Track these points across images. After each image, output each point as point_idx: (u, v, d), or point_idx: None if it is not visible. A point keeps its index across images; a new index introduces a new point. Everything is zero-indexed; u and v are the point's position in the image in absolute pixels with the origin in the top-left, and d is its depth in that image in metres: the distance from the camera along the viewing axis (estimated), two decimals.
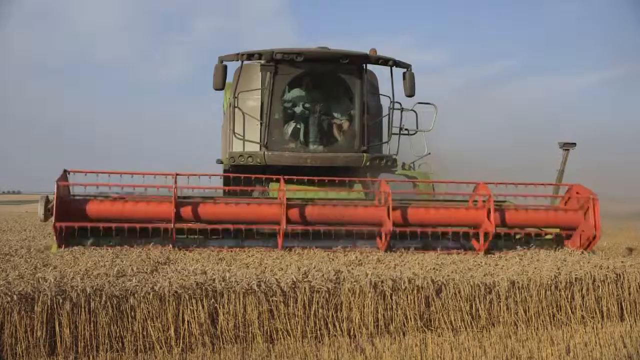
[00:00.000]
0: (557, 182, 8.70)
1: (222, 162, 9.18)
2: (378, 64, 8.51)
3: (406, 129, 9.15)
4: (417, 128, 9.15)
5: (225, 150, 9.53)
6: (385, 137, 8.94)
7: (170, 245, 6.54)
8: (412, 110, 9.02)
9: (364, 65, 8.57)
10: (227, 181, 8.35)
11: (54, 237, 6.56)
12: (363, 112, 8.50)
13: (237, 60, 8.30)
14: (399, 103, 8.86)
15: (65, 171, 6.67)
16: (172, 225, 6.54)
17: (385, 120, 8.89)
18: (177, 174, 6.75)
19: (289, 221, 6.76)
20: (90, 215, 6.63)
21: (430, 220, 7.11)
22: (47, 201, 6.64)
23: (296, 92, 8.78)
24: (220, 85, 8.25)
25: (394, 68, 8.51)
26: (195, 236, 6.93)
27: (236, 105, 8.50)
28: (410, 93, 8.58)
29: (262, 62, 8.41)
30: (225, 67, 8.25)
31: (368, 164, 8.38)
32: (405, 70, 8.55)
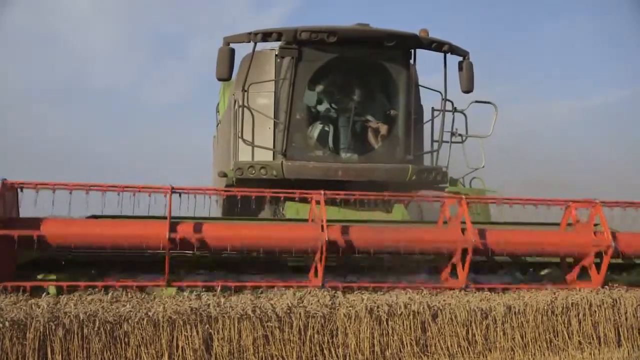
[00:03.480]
0: None
1: (225, 175, 7.16)
2: (430, 49, 6.93)
3: (459, 134, 7.61)
4: (467, 133, 7.66)
5: (222, 161, 8.19)
6: (427, 144, 7.50)
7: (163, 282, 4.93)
8: (460, 112, 7.47)
9: (413, 50, 7.03)
10: (233, 200, 5.82)
11: None
12: (409, 112, 7.08)
13: (249, 42, 6.62)
14: (451, 102, 7.43)
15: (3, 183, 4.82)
16: (166, 254, 4.84)
17: (430, 123, 7.47)
18: (172, 189, 5.06)
19: (329, 249, 5.01)
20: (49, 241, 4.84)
21: (525, 247, 5.62)
22: None
23: (325, 85, 7.21)
24: (226, 74, 6.61)
25: (448, 55, 7.00)
26: (201, 273, 5.40)
27: (245, 102, 6.81)
28: (468, 88, 7.17)
29: (282, 44, 6.79)
30: (233, 51, 6.60)
31: (414, 178, 6.91)
32: (461, 59, 7.13)
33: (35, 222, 4.88)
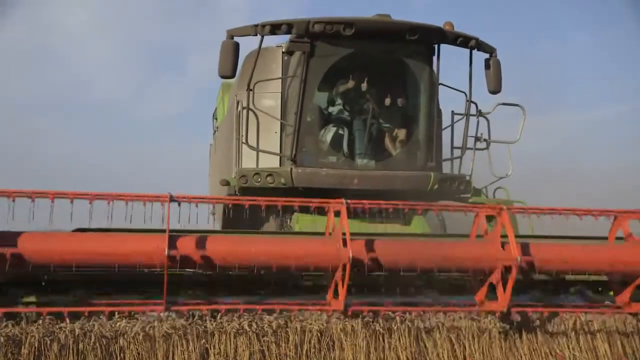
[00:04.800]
0: None
1: (228, 184, 6.45)
2: (455, 45, 6.29)
3: (484, 140, 6.98)
4: (489, 138, 7.03)
5: (222, 169, 7.56)
6: (444, 150, 6.86)
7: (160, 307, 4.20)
8: (483, 117, 6.86)
9: (436, 45, 6.34)
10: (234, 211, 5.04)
11: None
12: (431, 114, 6.43)
13: (255, 35, 5.97)
14: (475, 104, 6.80)
15: None
16: (164, 273, 4.06)
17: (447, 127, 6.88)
18: (170, 197, 4.25)
19: (353, 267, 4.29)
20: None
21: (588, 264, 4.83)
22: None
23: (339, 83, 6.54)
24: (230, 71, 5.96)
25: (474, 52, 6.36)
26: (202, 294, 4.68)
27: (251, 103, 6.17)
28: (496, 88, 6.53)
29: (292, 37, 6.14)
30: (237, 45, 5.96)
31: (436, 187, 6.28)
32: (488, 56, 6.50)
33: (9, 237, 4.10)
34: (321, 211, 4.67)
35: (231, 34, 6.01)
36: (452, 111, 7.04)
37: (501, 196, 7.39)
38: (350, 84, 6.46)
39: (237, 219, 4.68)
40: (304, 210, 4.70)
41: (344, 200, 4.46)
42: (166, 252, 4.11)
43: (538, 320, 4.67)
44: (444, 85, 6.70)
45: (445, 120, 7.28)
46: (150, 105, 37.31)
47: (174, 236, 4.25)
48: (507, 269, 4.51)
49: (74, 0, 34.07)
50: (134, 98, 37.06)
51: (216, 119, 10.83)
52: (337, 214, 4.50)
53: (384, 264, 4.45)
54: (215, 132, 10.91)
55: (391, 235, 5.17)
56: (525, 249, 4.63)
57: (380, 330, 4.41)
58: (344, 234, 4.34)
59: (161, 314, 4.25)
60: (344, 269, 4.27)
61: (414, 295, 4.81)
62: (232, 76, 6.21)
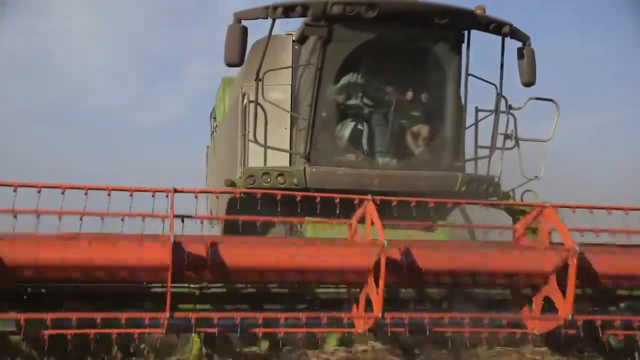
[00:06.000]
0: None
1: (234, 184, 5.74)
2: (487, 31, 5.69)
3: (515, 138, 6.39)
4: (517, 135, 6.46)
5: (223, 169, 7.04)
6: (467, 148, 6.11)
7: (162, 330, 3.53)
8: (506, 114, 6.27)
9: (466, 32, 5.73)
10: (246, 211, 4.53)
11: None
12: (459, 108, 5.89)
13: (266, 18, 5.36)
14: (505, 98, 6.21)
15: None
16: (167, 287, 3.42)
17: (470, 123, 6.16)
18: (175, 190, 3.70)
19: (390, 277, 3.71)
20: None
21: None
22: None
23: (359, 73, 5.89)
24: (237, 58, 5.35)
25: (506, 39, 5.79)
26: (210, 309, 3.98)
27: (260, 94, 5.51)
28: (530, 79, 5.96)
29: (307, 21, 5.51)
30: (245, 29, 5.34)
31: (463, 188, 5.72)
32: (522, 45, 5.93)
33: None
34: (331, 215, 4.17)
35: (239, 17, 5.39)
36: (476, 107, 6.44)
37: (530, 198, 6.77)
38: (371, 73, 5.87)
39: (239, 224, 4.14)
40: (315, 214, 4.18)
41: (369, 197, 3.94)
42: (170, 262, 3.41)
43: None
44: (474, 76, 6.05)
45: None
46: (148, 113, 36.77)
47: (179, 242, 3.55)
48: (564, 272, 3.90)
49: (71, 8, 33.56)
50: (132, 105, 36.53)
51: (215, 118, 10.12)
52: (361, 220, 3.96)
53: (428, 273, 3.89)
54: (213, 132, 10.26)
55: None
56: (583, 258, 3.99)
57: None
58: None
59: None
60: (375, 271, 3.62)
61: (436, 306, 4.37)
62: (240, 64, 5.55)
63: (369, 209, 3.82)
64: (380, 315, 3.65)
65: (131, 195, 3.73)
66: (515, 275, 4.07)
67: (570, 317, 3.86)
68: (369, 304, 3.77)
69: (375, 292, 3.68)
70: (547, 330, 4.00)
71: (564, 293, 3.90)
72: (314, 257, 3.75)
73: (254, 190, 4.03)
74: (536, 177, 6.63)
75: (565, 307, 3.88)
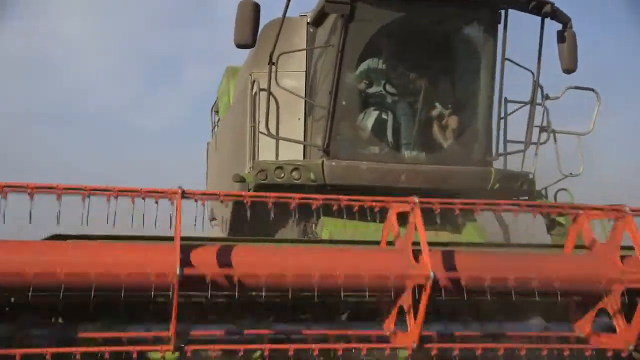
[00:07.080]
0: None
1: (243, 180, 5.33)
2: (526, 11, 5.24)
3: (552, 130, 5.90)
4: (550, 127, 6.00)
5: (228, 165, 6.59)
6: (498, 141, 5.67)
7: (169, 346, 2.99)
8: (542, 105, 5.79)
9: (503, 11, 5.25)
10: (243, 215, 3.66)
11: None
12: (493, 97, 5.46)
13: None
14: (541, 87, 5.73)
15: None
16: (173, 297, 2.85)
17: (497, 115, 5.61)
18: (183, 191, 3.06)
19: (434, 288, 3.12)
20: None
21: None
22: None
23: (384, 57, 5.45)
24: (249, 38, 4.87)
25: (546, 21, 5.31)
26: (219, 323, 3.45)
27: (273, 80, 5.06)
28: (570, 65, 5.49)
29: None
30: (258, 7, 4.88)
31: (497, 185, 5.32)
32: (562, 27, 5.45)
33: None
34: (351, 214, 3.39)
35: None
36: (505, 98, 5.88)
37: (564, 200, 6.28)
38: (397, 57, 5.38)
39: (246, 223, 3.49)
40: (331, 213, 3.43)
41: (415, 199, 3.22)
42: (177, 270, 2.85)
43: None
44: (511, 61, 5.52)
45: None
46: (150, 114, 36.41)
47: (187, 246, 3.01)
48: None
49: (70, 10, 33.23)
50: (133, 105, 36.18)
51: (217, 112, 9.57)
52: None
53: (475, 283, 3.22)
54: (214, 127, 9.74)
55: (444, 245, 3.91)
56: None
57: None
58: (416, 243, 3.13)
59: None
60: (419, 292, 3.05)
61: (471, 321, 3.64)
62: (252, 45, 5.03)
63: (416, 215, 3.20)
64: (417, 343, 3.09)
65: (144, 199, 3.08)
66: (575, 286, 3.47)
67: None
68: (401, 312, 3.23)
69: (412, 315, 3.13)
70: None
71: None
72: (343, 268, 3.16)
73: (264, 196, 3.31)
74: (571, 174, 6.12)
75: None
